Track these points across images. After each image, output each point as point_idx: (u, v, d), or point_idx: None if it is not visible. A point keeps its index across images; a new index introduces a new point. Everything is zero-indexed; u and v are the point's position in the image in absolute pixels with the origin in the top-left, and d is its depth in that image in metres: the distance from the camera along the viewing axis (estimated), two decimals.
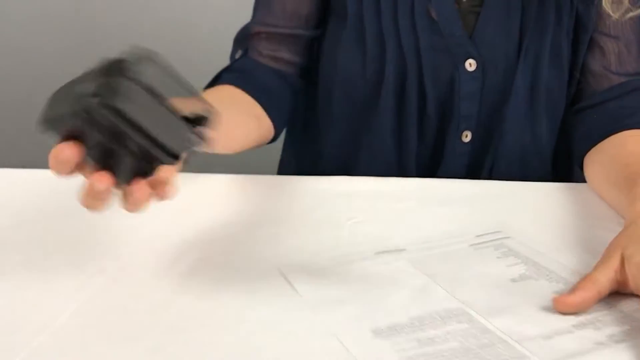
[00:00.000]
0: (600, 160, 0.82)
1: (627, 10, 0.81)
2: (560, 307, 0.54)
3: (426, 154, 0.92)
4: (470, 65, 0.87)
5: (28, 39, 1.80)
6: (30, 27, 1.79)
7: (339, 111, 0.94)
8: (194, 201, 0.78)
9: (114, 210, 0.76)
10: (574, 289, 0.55)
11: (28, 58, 1.81)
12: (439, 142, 0.91)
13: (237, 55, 0.93)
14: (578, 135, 0.88)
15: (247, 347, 0.51)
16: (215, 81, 0.89)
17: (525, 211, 0.76)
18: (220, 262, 0.64)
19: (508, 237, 0.67)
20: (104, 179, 0.47)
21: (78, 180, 0.85)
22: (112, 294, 0.59)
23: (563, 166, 0.97)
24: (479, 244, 0.66)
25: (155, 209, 0.76)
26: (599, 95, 0.87)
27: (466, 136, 0.90)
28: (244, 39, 0.94)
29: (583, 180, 0.84)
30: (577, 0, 0.85)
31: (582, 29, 0.87)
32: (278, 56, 0.92)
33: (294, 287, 0.59)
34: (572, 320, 0.53)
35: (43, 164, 0.90)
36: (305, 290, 0.58)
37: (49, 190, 0.81)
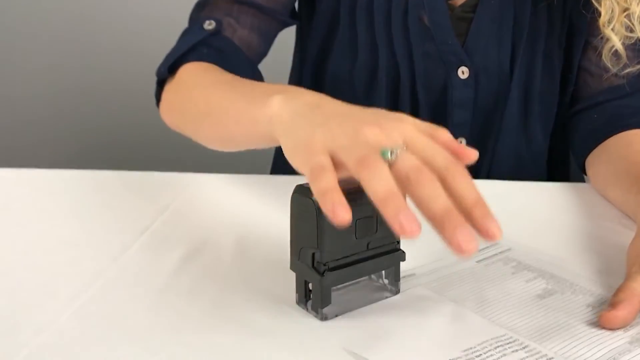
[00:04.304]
0: (606, 159, 0.81)
1: (625, 67, 0.81)
2: (608, 324, 0.53)
3: None
4: (463, 72, 0.87)
5: (28, 40, 1.80)
6: (31, 28, 1.79)
7: None
8: (193, 201, 0.78)
9: (114, 211, 0.76)
10: (615, 303, 0.53)
11: (28, 58, 1.81)
12: None
13: (208, 25, 0.84)
14: (579, 135, 0.88)
15: (247, 348, 0.51)
16: (190, 52, 0.82)
17: (521, 213, 0.75)
18: (221, 262, 0.64)
19: (509, 249, 0.66)
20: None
21: (78, 181, 0.84)
22: (112, 294, 0.58)
23: (558, 172, 0.97)
24: (484, 259, 0.64)
25: (155, 209, 0.76)
26: (598, 95, 0.87)
27: (460, 143, 0.89)
28: (220, 1, 0.85)
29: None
30: (570, 7, 0.85)
31: (576, 33, 0.87)
32: (252, 44, 0.87)
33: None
34: (623, 337, 0.52)
35: (43, 164, 0.90)
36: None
37: (49, 190, 0.81)
